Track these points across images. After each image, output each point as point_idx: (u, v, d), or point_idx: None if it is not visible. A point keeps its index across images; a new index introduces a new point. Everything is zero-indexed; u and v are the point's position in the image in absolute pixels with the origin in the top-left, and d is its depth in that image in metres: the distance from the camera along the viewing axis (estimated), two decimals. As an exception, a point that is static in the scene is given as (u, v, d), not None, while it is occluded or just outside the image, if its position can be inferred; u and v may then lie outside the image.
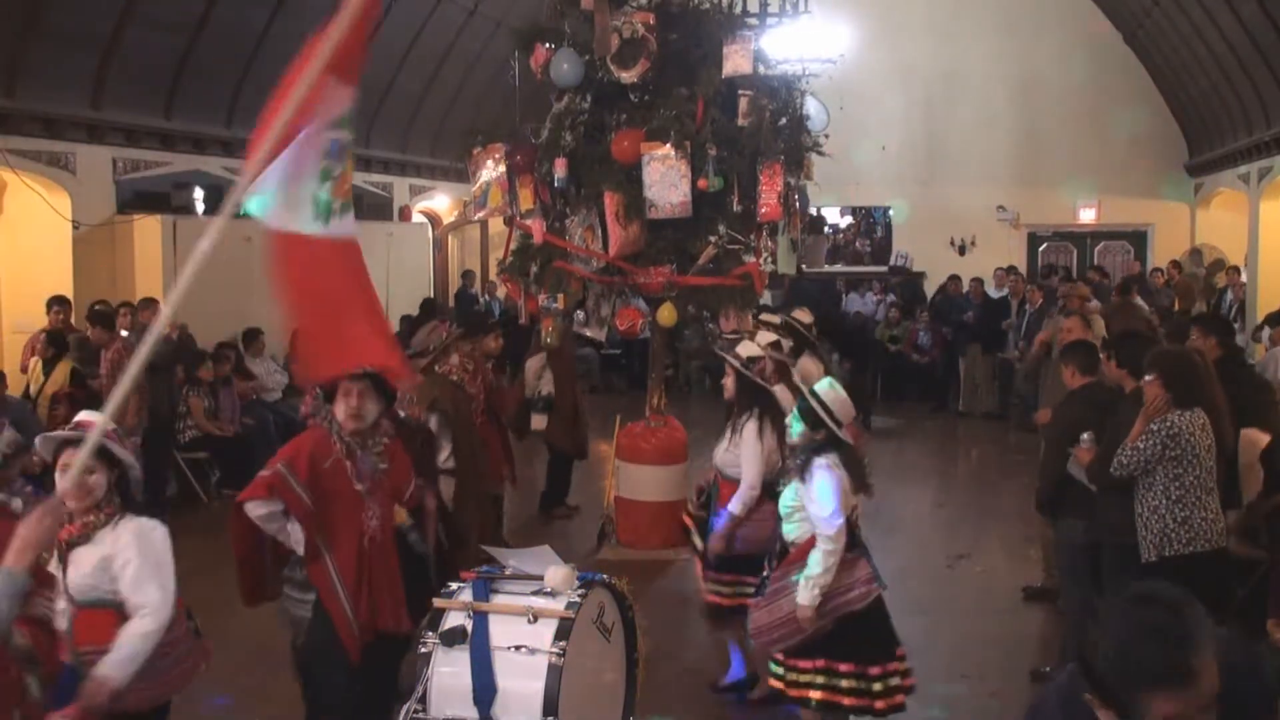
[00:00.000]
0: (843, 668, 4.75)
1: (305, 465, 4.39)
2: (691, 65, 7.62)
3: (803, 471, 4.76)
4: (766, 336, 6.84)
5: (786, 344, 6.89)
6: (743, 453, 5.79)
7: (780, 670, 4.84)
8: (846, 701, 4.78)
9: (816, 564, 4.64)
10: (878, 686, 4.78)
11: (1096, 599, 5.76)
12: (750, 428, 5.79)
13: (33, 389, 9.21)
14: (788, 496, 4.85)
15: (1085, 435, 5.61)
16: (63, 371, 9.22)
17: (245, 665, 5.98)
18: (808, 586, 4.64)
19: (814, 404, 4.77)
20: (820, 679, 4.75)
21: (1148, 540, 5.21)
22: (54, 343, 9.35)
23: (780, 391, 6.64)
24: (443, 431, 6.48)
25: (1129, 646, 2.03)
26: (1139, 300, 12.43)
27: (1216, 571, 5.26)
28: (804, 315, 7.73)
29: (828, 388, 4.86)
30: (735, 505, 5.73)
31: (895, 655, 4.89)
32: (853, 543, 4.80)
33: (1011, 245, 19.12)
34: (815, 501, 4.69)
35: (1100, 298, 12.50)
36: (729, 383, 6.05)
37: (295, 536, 4.47)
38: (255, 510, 4.41)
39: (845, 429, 4.84)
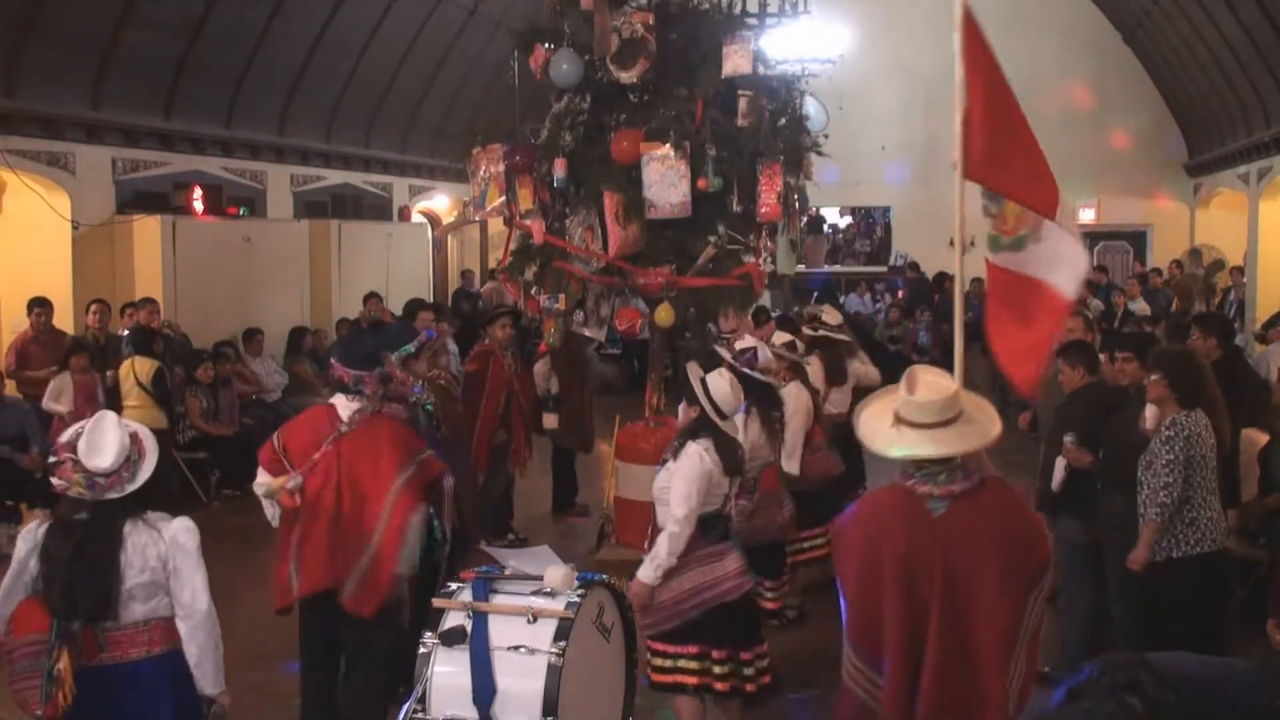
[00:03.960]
0: (715, 654, 4.80)
1: None
2: (691, 65, 7.61)
3: (676, 452, 4.82)
4: (782, 336, 7.02)
5: (801, 345, 7.13)
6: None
7: (656, 659, 4.81)
8: (719, 686, 4.81)
9: (662, 543, 4.68)
10: (749, 670, 4.84)
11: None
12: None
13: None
14: (660, 479, 4.86)
15: (1068, 437, 5.61)
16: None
17: (245, 663, 5.97)
18: (650, 564, 4.68)
19: (698, 388, 4.81)
20: (694, 664, 4.79)
21: (1155, 541, 5.21)
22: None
23: (795, 389, 6.74)
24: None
25: None
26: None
27: (1217, 572, 5.27)
28: (832, 316, 7.90)
29: (717, 376, 4.88)
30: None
31: (762, 639, 4.98)
32: (724, 534, 4.84)
33: (1011, 245, 19.09)
34: (676, 480, 4.73)
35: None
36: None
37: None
38: None
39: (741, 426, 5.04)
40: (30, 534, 3.77)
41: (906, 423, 3.49)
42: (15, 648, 3.69)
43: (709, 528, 4.80)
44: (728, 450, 4.82)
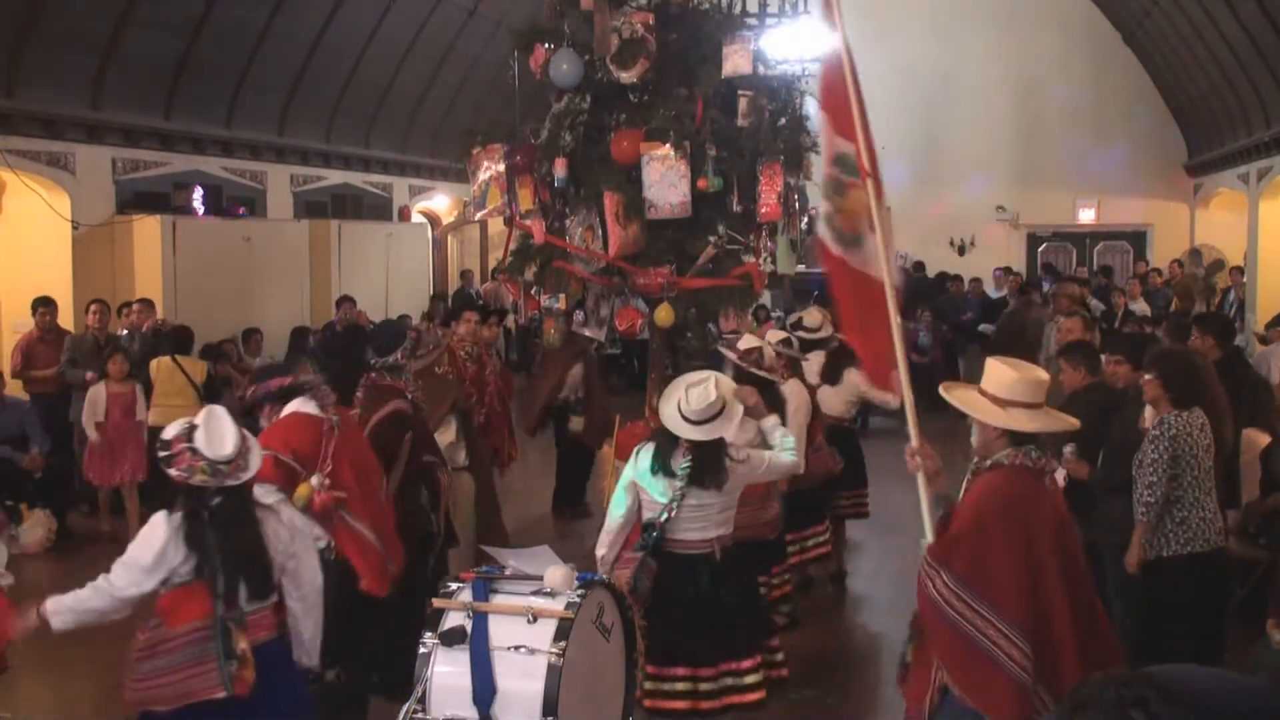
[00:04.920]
0: (671, 672, 4.74)
1: None
2: (691, 65, 7.60)
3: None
4: (777, 335, 7.09)
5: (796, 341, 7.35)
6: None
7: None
8: (678, 705, 4.73)
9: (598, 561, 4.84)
10: (706, 687, 4.72)
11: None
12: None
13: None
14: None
15: (1068, 448, 5.58)
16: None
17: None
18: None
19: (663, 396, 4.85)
20: (649, 684, 4.74)
21: (1146, 540, 5.21)
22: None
23: (795, 386, 6.77)
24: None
25: None
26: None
27: (1211, 572, 5.27)
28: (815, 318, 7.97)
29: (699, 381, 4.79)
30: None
31: (741, 655, 4.80)
32: (644, 545, 4.73)
33: (1011, 245, 19.12)
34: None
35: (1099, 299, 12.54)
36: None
37: None
38: None
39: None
40: (164, 525, 3.81)
41: (1015, 403, 3.68)
42: (169, 638, 3.75)
43: (641, 531, 4.82)
44: (663, 452, 4.75)
